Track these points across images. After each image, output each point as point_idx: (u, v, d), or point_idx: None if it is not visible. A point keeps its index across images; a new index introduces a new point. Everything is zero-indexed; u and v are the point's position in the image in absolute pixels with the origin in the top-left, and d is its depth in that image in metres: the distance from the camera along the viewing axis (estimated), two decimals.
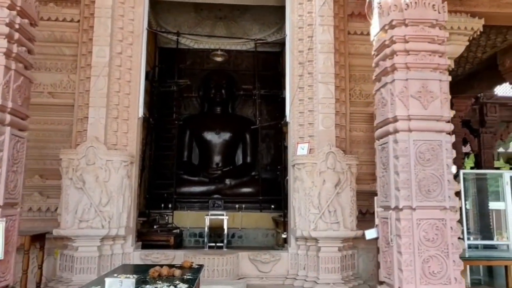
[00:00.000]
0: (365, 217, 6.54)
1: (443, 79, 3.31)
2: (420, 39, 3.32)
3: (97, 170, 5.84)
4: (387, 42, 3.39)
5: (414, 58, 3.29)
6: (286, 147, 10.40)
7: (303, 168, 6.08)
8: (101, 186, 5.81)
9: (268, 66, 11.19)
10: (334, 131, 6.24)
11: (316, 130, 6.33)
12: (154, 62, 10.30)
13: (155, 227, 8.70)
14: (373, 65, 3.80)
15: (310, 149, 6.30)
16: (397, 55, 3.36)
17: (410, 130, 3.33)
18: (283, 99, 10.45)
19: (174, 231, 8.18)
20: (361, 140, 6.91)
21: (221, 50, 10.74)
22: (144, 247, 7.80)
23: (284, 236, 7.42)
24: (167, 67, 10.65)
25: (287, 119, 6.70)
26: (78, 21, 6.78)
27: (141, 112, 6.54)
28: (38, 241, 6.14)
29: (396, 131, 3.39)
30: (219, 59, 10.90)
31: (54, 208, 6.37)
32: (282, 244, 8.84)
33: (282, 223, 8.98)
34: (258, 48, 10.77)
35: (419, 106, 3.30)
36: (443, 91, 3.28)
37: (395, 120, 3.40)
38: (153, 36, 10.28)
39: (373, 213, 6.44)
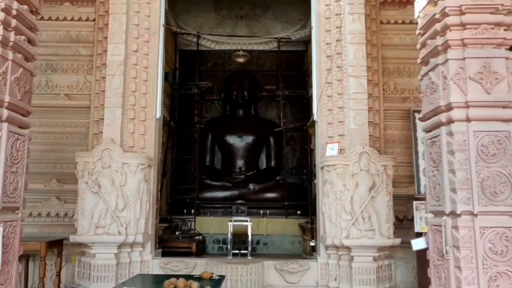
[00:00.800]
0: (402, 224, 5.92)
1: (511, 57, 2.73)
2: (480, 9, 2.73)
3: (113, 173, 5.42)
4: (437, 16, 2.82)
5: (472, 32, 2.71)
6: (312, 150, 9.86)
7: (333, 170, 5.52)
8: (117, 190, 5.39)
9: (292, 66, 10.67)
10: (367, 129, 5.67)
11: (347, 129, 5.76)
12: (174, 65, 9.93)
13: (177, 233, 8.26)
14: (418, 46, 3.23)
15: (341, 149, 5.74)
16: (450, 30, 2.78)
17: (468, 120, 2.75)
18: (308, 100, 9.92)
19: (196, 237, 7.71)
20: (397, 139, 6.29)
21: (243, 50, 10.29)
22: (165, 254, 7.35)
23: (312, 244, 6.85)
24: (188, 69, 10.26)
25: (315, 117, 6.16)
26: (94, 19, 6.43)
27: (159, 113, 6.12)
28: (56, 247, 5.84)
29: (450, 121, 2.82)
30: (241, 60, 10.45)
31: (72, 213, 6.01)
32: (310, 252, 8.25)
33: (309, 230, 8.41)
34: (282, 47, 10.29)
35: (480, 91, 2.71)
36: (511, 71, 2.69)
37: (449, 108, 2.82)
38: (173, 38, 9.93)
39: (411, 219, 5.87)
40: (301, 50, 10.56)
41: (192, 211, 9.34)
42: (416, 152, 5.98)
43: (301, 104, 10.40)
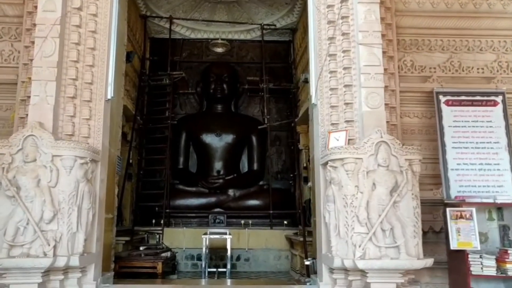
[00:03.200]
0: (427, 238, 4.37)
1: None
2: None
3: (39, 170, 3.73)
4: None
5: None
6: (300, 150, 8.34)
7: (341, 166, 3.96)
8: (44, 194, 3.69)
9: (277, 58, 9.19)
10: (384, 112, 4.16)
11: (357, 113, 4.24)
12: (143, 53, 8.30)
13: (141, 248, 6.55)
14: None
15: (349, 139, 4.21)
16: None
17: None
18: (295, 95, 8.50)
19: (164, 254, 6.02)
20: (416, 128, 4.79)
21: (222, 39, 8.77)
22: (123, 276, 5.68)
23: (307, 262, 5.26)
24: (160, 60, 8.65)
25: (313, 99, 4.61)
26: None
27: (110, 92, 4.47)
28: None
29: None
30: (219, 49, 8.91)
31: None
32: (302, 272, 6.68)
33: (300, 244, 6.84)
34: (266, 36, 8.81)
35: None
36: None
37: None
38: (142, 22, 8.33)
39: (439, 231, 4.36)
40: (287, 40, 9.11)
41: (162, 221, 7.66)
42: (443, 145, 4.49)
43: (287, 100, 8.91)
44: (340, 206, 3.95)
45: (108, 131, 4.55)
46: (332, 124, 4.37)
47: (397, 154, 3.94)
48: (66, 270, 3.86)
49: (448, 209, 4.08)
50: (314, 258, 5.16)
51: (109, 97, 4.43)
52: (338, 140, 4.24)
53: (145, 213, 8.12)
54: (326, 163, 4.14)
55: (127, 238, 6.57)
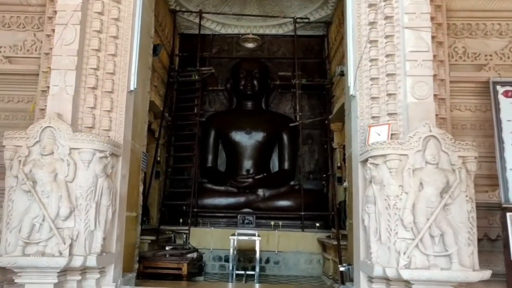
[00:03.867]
0: (480, 246, 3.79)
1: None
2: None
3: (56, 163, 3.47)
4: None
5: None
6: (334, 149, 7.88)
7: (383, 163, 3.51)
8: (60, 189, 3.43)
9: (310, 53, 8.75)
10: (433, 104, 3.66)
11: (402, 104, 3.77)
12: (172, 49, 8.05)
13: (166, 248, 6.27)
14: None
15: (392, 134, 3.74)
16: None
17: None
18: (329, 91, 8.02)
19: (189, 255, 5.71)
20: (468, 123, 4.25)
21: (253, 34, 8.41)
22: (147, 277, 5.41)
23: (342, 268, 4.80)
24: (189, 56, 8.40)
25: (351, 91, 4.16)
26: None
27: (134, 83, 4.18)
28: None
29: None
30: (250, 45, 8.55)
31: None
32: (333, 277, 6.22)
33: (333, 248, 6.38)
34: (298, 30, 8.40)
35: None
36: None
37: None
38: (171, 17, 8.08)
39: (496, 239, 3.82)
40: (320, 35, 8.66)
41: (189, 220, 7.38)
42: (501, 141, 3.93)
43: (321, 97, 8.45)
44: (381, 208, 3.49)
45: (130, 124, 4.27)
46: (373, 117, 3.91)
47: (449, 151, 3.44)
48: (83, 270, 3.59)
49: (508, 214, 3.54)
50: (349, 264, 4.70)
51: (132, 88, 4.14)
52: (379, 135, 3.77)
53: (172, 212, 7.87)
54: (366, 160, 3.68)
55: (153, 238, 6.31)
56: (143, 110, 5.18)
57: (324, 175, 8.20)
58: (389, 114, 3.84)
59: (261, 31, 8.62)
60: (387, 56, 3.89)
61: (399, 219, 3.37)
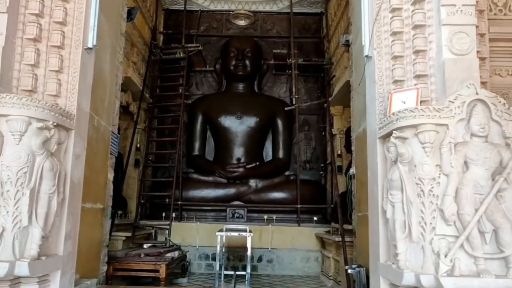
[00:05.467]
0: None
1: None
2: None
3: None
4: None
5: None
6: (334, 135, 6.97)
7: (413, 136, 2.59)
8: None
9: (307, 32, 7.82)
10: (477, 60, 2.75)
11: (434, 63, 2.85)
12: (155, 26, 7.05)
13: (144, 246, 5.32)
14: None
15: (421, 102, 2.82)
16: None
17: None
18: (328, 72, 7.05)
19: (169, 254, 4.76)
20: (511, 91, 3.35)
21: (245, 10, 7.46)
22: (118, 280, 4.47)
23: (350, 271, 3.88)
24: (175, 34, 7.42)
25: (366, 51, 3.23)
26: None
27: (92, 39, 3.21)
28: None
29: None
30: (242, 22, 7.61)
31: None
32: (334, 277, 5.32)
33: (333, 245, 5.48)
34: (294, 7, 7.49)
35: None
36: None
37: None
38: None
39: None
40: (318, 13, 7.73)
41: (174, 214, 6.43)
42: None
43: (318, 80, 7.54)
44: (412, 196, 2.58)
45: (89, 92, 3.31)
46: (395, 81, 2.99)
47: (501, 120, 2.54)
48: (15, 280, 2.62)
49: None
50: (360, 265, 3.80)
51: (90, 45, 3.17)
52: (404, 103, 2.86)
53: (154, 205, 6.91)
54: (389, 134, 2.76)
55: (128, 234, 5.36)
56: (112, 81, 4.20)
57: (322, 165, 7.29)
58: (417, 77, 2.92)
59: (253, 8, 7.66)
60: (414, 3, 2.97)
61: (437, 210, 2.47)
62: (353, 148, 4.47)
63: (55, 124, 2.72)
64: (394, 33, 3.03)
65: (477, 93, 2.54)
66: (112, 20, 4.02)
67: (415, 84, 2.90)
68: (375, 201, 3.01)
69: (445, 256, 2.38)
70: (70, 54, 3.05)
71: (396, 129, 2.69)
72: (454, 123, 2.53)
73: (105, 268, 4.24)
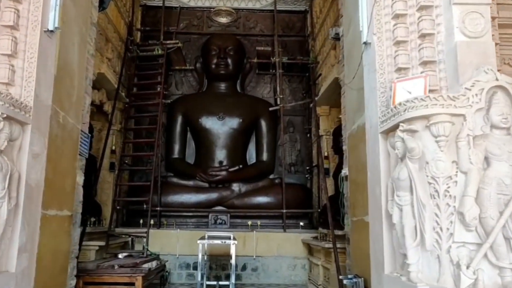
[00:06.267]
0: None
1: None
2: None
3: None
4: None
5: None
6: (320, 137, 6.61)
7: (424, 129, 2.24)
8: None
9: (291, 31, 7.49)
10: (493, 42, 2.42)
11: (443, 48, 2.52)
12: (131, 21, 6.58)
13: (119, 256, 4.80)
14: None
15: (430, 90, 2.47)
16: None
17: None
18: (313, 71, 6.71)
19: (146, 265, 4.28)
20: None
21: (226, 7, 7.08)
22: None
23: (345, 282, 3.49)
24: (153, 31, 6.96)
25: (364, 36, 2.87)
26: None
27: (53, 21, 2.74)
28: None
29: None
30: (223, 19, 7.23)
31: None
32: (324, 286, 4.94)
33: (322, 251, 5.10)
34: (278, 5, 7.19)
35: None
36: None
37: None
38: None
39: None
40: (302, 10, 7.42)
41: (152, 221, 5.94)
42: None
43: (303, 80, 7.21)
44: (423, 197, 2.21)
45: (51, 82, 2.83)
46: (399, 69, 2.64)
47: None
48: None
49: None
50: (356, 275, 3.42)
51: (50, 27, 2.71)
52: (410, 93, 2.50)
53: (131, 211, 6.41)
54: (394, 128, 2.40)
55: (102, 243, 4.85)
56: (82, 74, 3.73)
57: (308, 167, 6.93)
58: (424, 64, 2.57)
59: (235, 4, 7.29)
60: None
61: (456, 213, 2.11)
62: (345, 147, 4.11)
63: (5, 116, 2.25)
64: (396, 16, 2.68)
65: (497, 79, 2.21)
66: (80, 5, 3.56)
67: (422, 72, 2.56)
68: (378, 204, 2.64)
69: (467, 267, 2.01)
70: (26, 36, 2.59)
71: (403, 121, 2.33)
72: (472, 113, 2.19)
73: (73, 282, 3.74)
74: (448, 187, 2.14)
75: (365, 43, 2.87)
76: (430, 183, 2.19)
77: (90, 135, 4.13)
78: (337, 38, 4.47)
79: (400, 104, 2.36)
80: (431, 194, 2.18)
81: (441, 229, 2.13)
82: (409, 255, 2.23)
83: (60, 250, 3.40)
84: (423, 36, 2.58)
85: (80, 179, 3.85)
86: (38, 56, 2.60)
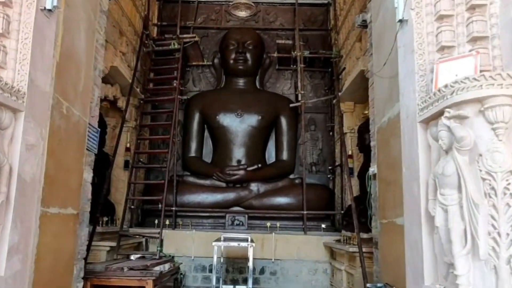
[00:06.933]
0: None
1: None
2: None
3: None
4: None
5: None
6: (344, 134, 6.22)
7: (477, 115, 1.85)
8: None
9: (313, 25, 7.12)
10: None
11: (498, 21, 2.12)
12: (147, 15, 6.34)
13: (131, 257, 4.53)
14: None
15: (482, 71, 2.08)
16: None
17: None
18: (336, 66, 6.30)
19: (158, 268, 3.99)
20: None
21: (246, 0, 6.77)
22: None
23: None
24: (169, 26, 6.73)
25: (400, 13, 2.49)
26: None
27: None
28: None
29: None
30: (242, 13, 6.92)
31: None
32: None
33: (346, 256, 4.71)
34: None
35: None
36: None
37: None
38: None
39: None
40: (325, 3, 7.04)
41: (168, 221, 5.69)
42: None
43: (325, 76, 6.83)
44: (475, 196, 1.82)
45: (49, 66, 2.57)
46: (442, 48, 2.26)
47: None
48: None
49: None
50: (387, 284, 3.03)
51: (48, 5, 2.43)
52: (457, 75, 2.11)
53: (146, 211, 6.16)
54: (437, 115, 2.02)
55: (113, 244, 4.59)
56: (90, 64, 3.47)
57: (330, 167, 6.53)
58: (473, 40, 2.18)
59: None
60: None
61: None
62: (373, 143, 3.72)
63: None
64: None
65: None
66: None
67: (470, 51, 2.16)
68: (416, 205, 2.26)
69: None
70: (20, 14, 2.32)
71: (450, 106, 1.94)
72: None
73: (80, 285, 3.48)
74: (508, 184, 1.75)
75: (400, 20, 2.49)
76: (484, 179, 1.80)
77: (99, 129, 3.86)
78: (364, 25, 4.08)
79: (446, 86, 1.98)
80: (486, 192, 1.79)
81: (499, 234, 1.74)
82: (458, 265, 1.85)
83: (64, 250, 3.13)
84: (472, 8, 2.18)
85: (88, 175, 3.59)
86: (34, 37, 2.33)
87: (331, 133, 6.61)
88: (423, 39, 2.32)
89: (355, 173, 5.67)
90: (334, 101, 6.05)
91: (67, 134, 3.02)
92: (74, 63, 3.10)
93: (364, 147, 5.12)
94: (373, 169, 3.64)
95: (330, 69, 6.57)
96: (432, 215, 2.08)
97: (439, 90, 2.03)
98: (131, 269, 3.79)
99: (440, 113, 2.01)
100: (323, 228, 5.87)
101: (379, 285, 3.05)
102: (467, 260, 1.83)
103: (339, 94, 5.76)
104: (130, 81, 5.46)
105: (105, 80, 5.17)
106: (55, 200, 2.85)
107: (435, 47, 2.28)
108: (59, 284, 3.05)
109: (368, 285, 3.30)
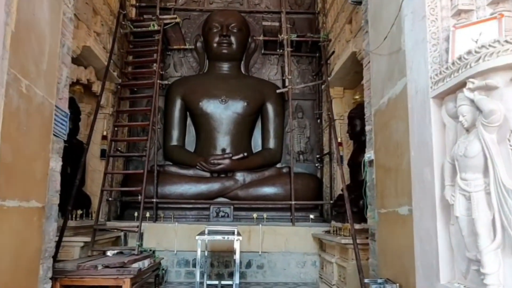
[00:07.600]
0: None
1: None
2: None
3: None
4: None
5: None
6: (333, 121, 5.92)
7: (507, 85, 1.55)
8: None
9: (299, 8, 6.78)
10: None
11: None
12: None
13: (108, 253, 4.14)
14: None
15: (506, 35, 1.77)
16: None
17: None
18: (324, 50, 5.98)
19: (136, 264, 3.62)
20: None
21: None
22: None
23: (374, 287, 2.81)
24: (148, 7, 6.27)
25: None
26: None
27: None
28: None
29: None
30: None
31: None
32: (339, 286, 4.27)
33: (338, 248, 4.43)
34: None
35: None
36: None
37: None
38: None
39: None
40: None
41: (148, 214, 5.32)
42: None
43: (312, 61, 6.51)
44: (506, 180, 1.53)
45: (2, 35, 2.15)
46: (458, 12, 1.95)
47: None
48: None
49: None
50: (388, 279, 2.74)
51: None
52: (476, 42, 1.81)
53: (126, 203, 5.76)
54: (455, 88, 1.71)
55: (87, 239, 4.19)
56: (56, 39, 3.04)
57: (318, 156, 6.24)
58: (494, 3, 1.88)
59: None
60: None
61: None
62: (369, 128, 3.42)
63: None
64: None
65: None
66: None
67: (491, 14, 1.85)
68: (429, 192, 1.96)
69: None
70: None
71: (473, 76, 1.63)
72: None
73: (48, 286, 3.09)
74: None
75: None
76: None
77: (68, 113, 3.44)
78: (358, 1, 3.76)
79: (469, 52, 1.67)
80: None
81: None
82: (486, 262, 1.55)
83: (27, 248, 2.73)
84: None
85: (56, 164, 3.18)
86: None
87: (319, 121, 6.32)
88: (436, 3, 2.01)
89: (345, 162, 5.39)
90: (323, 86, 5.74)
91: (28, 116, 2.61)
92: (34, 35, 2.68)
93: (355, 133, 4.83)
94: (369, 155, 3.34)
95: (317, 54, 6.26)
96: (450, 203, 1.78)
97: (459, 58, 1.72)
98: (106, 266, 3.41)
99: (460, 85, 1.71)
100: (312, 218, 5.60)
101: (379, 281, 2.76)
102: (497, 255, 1.55)
103: (328, 79, 5.45)
104: (106, 63, 5.01)
105: (78, 61, 4.74)
106: (13, 192, 2.46)
107: (450, 12, 1.97)
108: (21, 286, 2.66)
109: (366, 280, 3.01)
